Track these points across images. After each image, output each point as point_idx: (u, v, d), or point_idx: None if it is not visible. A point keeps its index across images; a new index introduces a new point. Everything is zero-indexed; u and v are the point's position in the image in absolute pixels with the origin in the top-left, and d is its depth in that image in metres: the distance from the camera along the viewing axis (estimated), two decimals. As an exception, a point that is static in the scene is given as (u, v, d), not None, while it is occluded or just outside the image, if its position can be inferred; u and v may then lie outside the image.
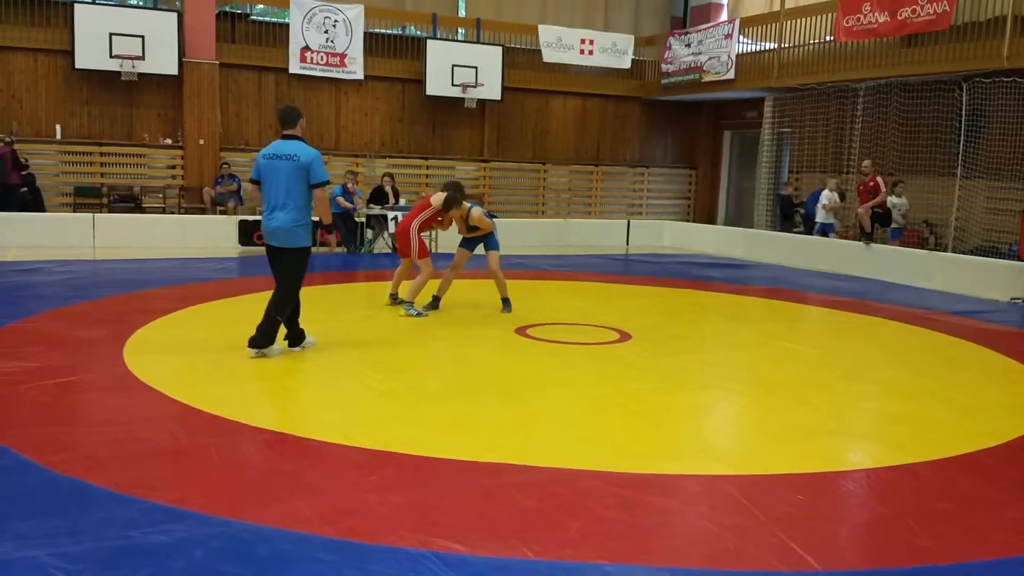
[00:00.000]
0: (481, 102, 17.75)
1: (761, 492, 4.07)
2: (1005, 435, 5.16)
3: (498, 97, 17.72)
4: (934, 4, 12.96)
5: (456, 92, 17.29)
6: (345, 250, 13.80)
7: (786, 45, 16.20)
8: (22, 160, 13.89)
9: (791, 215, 16.43)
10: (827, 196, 14.45)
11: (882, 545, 3.60)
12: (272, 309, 6.31)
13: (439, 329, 7.77)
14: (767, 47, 16.71)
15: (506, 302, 8.75)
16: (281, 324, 6.37)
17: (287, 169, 6.20)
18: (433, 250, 14.52)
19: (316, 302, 6.61)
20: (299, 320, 6.57)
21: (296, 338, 6.58)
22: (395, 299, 8.69)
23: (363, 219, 14.02)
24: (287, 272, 6.34)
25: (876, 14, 13.90)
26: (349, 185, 14.00)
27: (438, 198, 8.32)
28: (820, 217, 14.61)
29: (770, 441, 4.98)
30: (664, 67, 18.60)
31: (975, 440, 5.03)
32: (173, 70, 15.07)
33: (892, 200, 13.54)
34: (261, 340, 6.29)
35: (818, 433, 5.14)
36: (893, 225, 13.79)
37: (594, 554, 3.35)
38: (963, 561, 3.46)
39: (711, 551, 3.47)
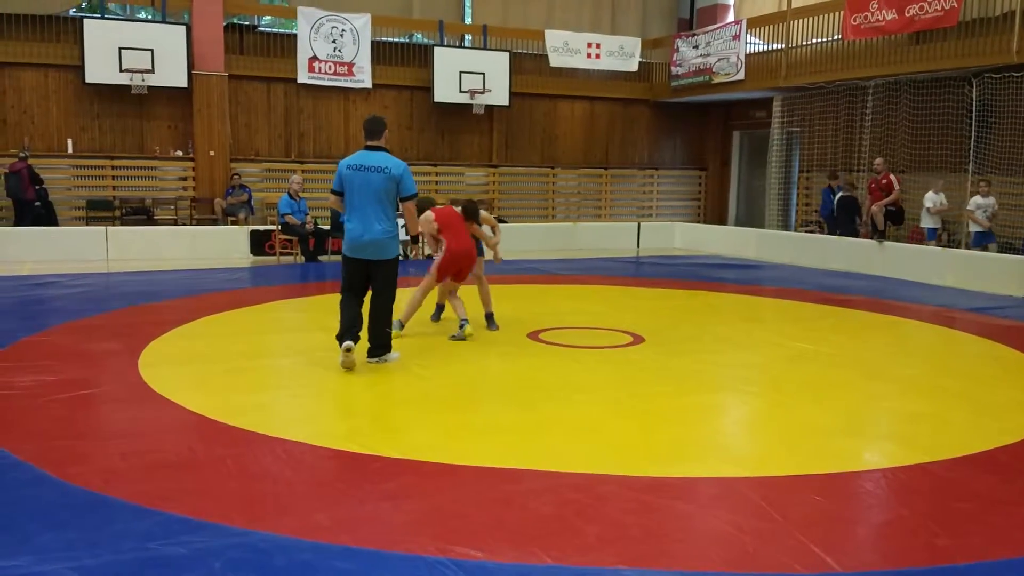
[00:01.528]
0: (489, 108, 17.77)
1: (779, 494, 4.05)
2: (1023, 432, 5.13)
3: (506, 102, 17.73)
4: (942, 0, 12.90)
5: (464, 98, 17.32)
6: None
7: (794, 45, 16.16)
8: (37, 175, 14.00)
9: (854, 218, 14.43)
10: (931, 198, 13.06)
11: (902, 545, 3.58)
12: (381, 321, 6.45)
13: (449, 335, 7.75)
14: (775, 47, 16.68)
15: (490, 318, 8.12)
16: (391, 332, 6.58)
17: (379, 181, 6.20)
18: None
19: (324, 312, 6.57)
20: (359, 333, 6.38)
21: (352, 336, 6.32)
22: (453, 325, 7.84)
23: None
24: (386, 283, 6.42)
25: (884, 12, 13.86)
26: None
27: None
28: (926, 222, 13.22)
29: (787, 442, 4.95)
30: (674, 69, 18.58)
31: (993, 438, 4.99)
32: (182, 82, 15.15)
33: (977, 200, 12.42)
34: (378, 351, 6.49)
35: (835, 433, 5.12)
36: (977, 229, 12.46)
37: (613, 559, 3.33)
38: (983, 560, 3.43)
39: (730, 554, 3.45)
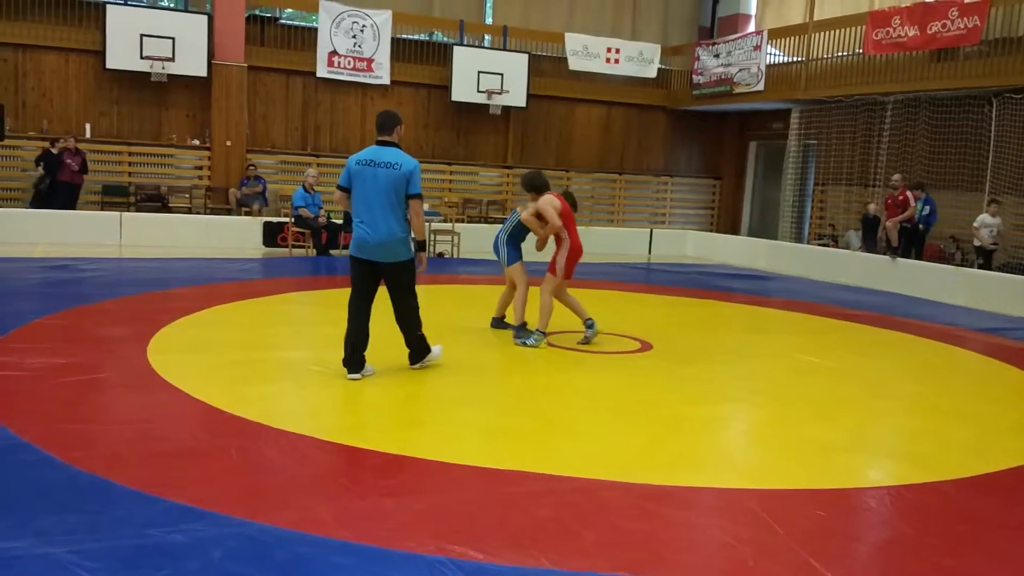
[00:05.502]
0: (506, 109, 17.79)
1: (781, 507, 4.04)
2: (1030, 456, 5.09)
3: (523, 104, 17.74)
4: (965, 19, 12.86)
5: (481, 98, 17.35)
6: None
7: (814, 57, 16.12)
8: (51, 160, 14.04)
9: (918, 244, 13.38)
10: None
11: (904, 564, 3.56)
12: (410, 326, 6.22)
13: (459, 336, 7.75)
14: (795, 59, 16.64)
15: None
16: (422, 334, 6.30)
17: (388, 178, 5.79)
18: (455, 255, 14.56)
19: (333, 306, 6.53)
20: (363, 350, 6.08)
21: (357, 364, 6.05)
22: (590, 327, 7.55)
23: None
24: (403, 288, 6.11)
25: (906, 28, 13.81)
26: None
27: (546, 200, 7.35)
28: None
29: (791, 456, 4.94)
30: (695, 78, 18.56)
31: (999, 460, 4.97)
32: (202, 72, 15.23)
33: (984, 219, 12.09)
34: (417, 356, 6.33)
35: (839, 449, 5.09)
36: (979, 245, 11.93)
37: (611, 565, 3.33)
38: (986, 583, 3.42)
39: (730, 565, 3.44)
